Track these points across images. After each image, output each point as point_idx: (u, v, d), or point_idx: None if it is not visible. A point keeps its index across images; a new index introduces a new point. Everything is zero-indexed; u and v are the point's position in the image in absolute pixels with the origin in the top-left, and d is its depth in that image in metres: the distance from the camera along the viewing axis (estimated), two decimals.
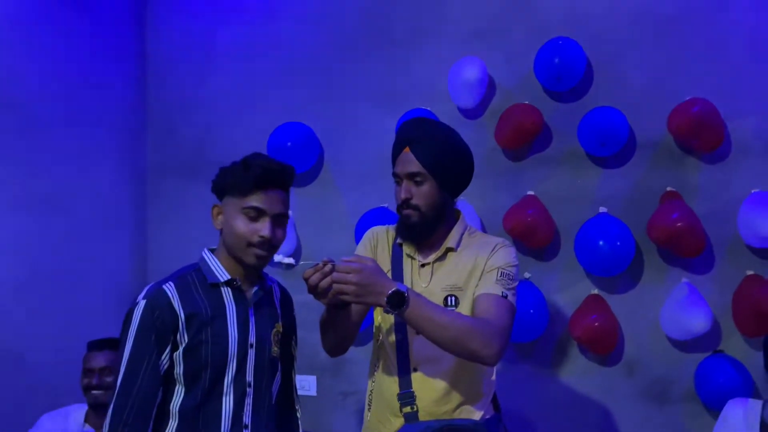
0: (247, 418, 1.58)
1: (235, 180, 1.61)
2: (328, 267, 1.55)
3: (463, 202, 2.65)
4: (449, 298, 1.72)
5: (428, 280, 1.76)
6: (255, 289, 1.66)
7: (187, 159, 3.16)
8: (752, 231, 2.29)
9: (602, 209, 2.53)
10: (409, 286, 1.68)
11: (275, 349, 1.66)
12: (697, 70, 2.45)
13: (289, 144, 2.80)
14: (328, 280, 1.55)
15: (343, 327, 1.75)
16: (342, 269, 1.54)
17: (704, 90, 2.41)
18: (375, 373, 1.83)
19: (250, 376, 1.59)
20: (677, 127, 2.37)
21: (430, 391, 1.71)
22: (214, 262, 1.65)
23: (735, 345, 2.39)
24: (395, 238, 1.83)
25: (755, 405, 1.95)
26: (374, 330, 1.86)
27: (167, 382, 1.55)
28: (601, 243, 2.42)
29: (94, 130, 3.04)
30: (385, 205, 2.75)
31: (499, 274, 1.71)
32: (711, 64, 2.44)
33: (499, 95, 2.68)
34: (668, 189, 2.47)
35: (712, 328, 2.34)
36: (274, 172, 1.59)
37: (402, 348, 1.74)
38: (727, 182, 2.41)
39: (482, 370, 1.75)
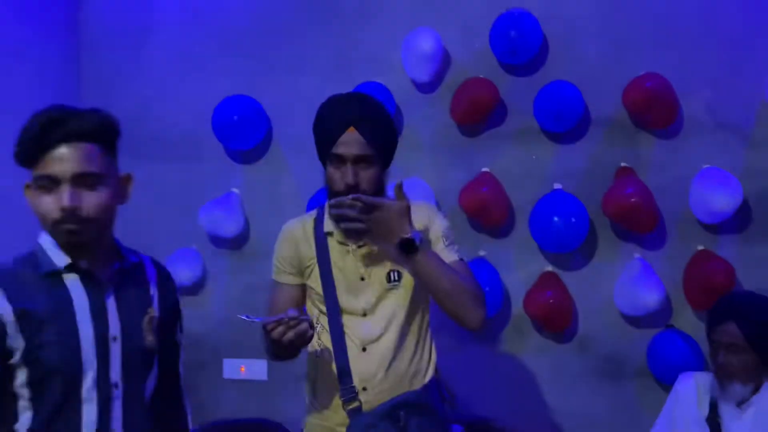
0: (117, 426, 1.34)
1: (18, 149, 1.31)
2: (293, 322, 1.50)
3: (417, 179, 2.58)
4: (392, 274, 1.70)
5: (366, 261, 1.71)
6: (114, 268, 1.39)
7: (124, 135, 2.93)
8: (703, 206, 2.31)
9: (557, 185, 2.50)
10: (345, 274, 1.70)
11: (149, 338, 1.41)
12: (651, 44, 2.44)
13: (235, 118, 2.67)
14: (291, 334, 1.49)
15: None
16: (368, 201, 1.57)
17: (658, 65, 2.40)
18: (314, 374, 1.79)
19: (116, 376, 1.34)
20: (632, 102, 2.36)
21: (374, 376, 1.68)
22: (51, 246, 1.35)
23: (686, 319, 2.42)
24: (316, 228, 1.75)
25: (705, 378, 1.97)
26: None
27: (3, 400, 1.28)
28: (555, 219, 2.40)
29: (22, 105, 2.81)
30: None
31: (446, 241, 1.72)
32: (665, 38, 2.42)
33: (454, 69, 2.61)
34: (622, 165, 2.46)
35: (664, 304, 2.37)
36: (56, 122, 1.29)
37: (341, 358, 1.69)
38: (679, 158, 2.42)
39: (424, 342, 1.75)
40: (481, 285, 2.40)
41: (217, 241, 2.85)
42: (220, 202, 2.76)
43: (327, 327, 1.70)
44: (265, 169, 2.81)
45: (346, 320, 1.69)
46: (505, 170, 2.56)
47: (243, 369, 2.87)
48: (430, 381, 1.73)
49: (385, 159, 1.70)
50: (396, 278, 1.70)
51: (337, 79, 2.69)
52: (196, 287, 2.87)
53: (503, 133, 2.58)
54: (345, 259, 1.72)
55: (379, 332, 1.68)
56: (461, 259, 1.72)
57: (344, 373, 1.66)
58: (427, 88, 2.63)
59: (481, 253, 2.59)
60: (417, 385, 1.70)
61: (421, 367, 1.73)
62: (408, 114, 2.65)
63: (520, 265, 2.57)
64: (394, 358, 1.68)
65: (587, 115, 2.50)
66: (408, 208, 1.62)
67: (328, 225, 1.73)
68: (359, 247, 1.71)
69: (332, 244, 1.72)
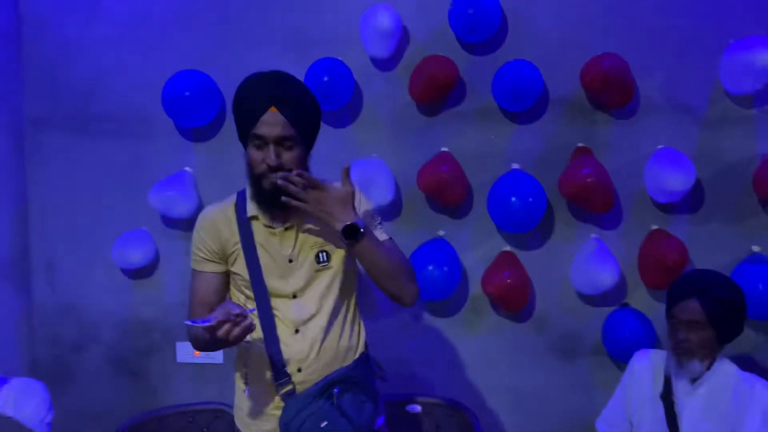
0: None
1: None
2: (239, 319, 1.50)
3: (375, 159, 2.54)
4: (320, 255, 1.70)
5: (293, 243, 1.69)
6: None
7: (71, 112, 2.83)
8: (657, 186, 2.34)
9: (515, 165, 2.50)
10: (272, 257, 1.68)
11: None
12: (609, 24, 2.44)
13: (186, 94, 2.56)
14: (237, 331, 1.50)
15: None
16: (317, 182, 1.57)
17: (616, 45, 2.40)
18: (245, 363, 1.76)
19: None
20: (590, 81, 2.36)
21: (308, 356, 1.68)
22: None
23: (640, 298, 2.46)
24: (237, 213, 1.71)
25: (660, 355, 2.00)
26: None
27: None
28: (513, 199, 2.40)
29: None
30: None
31: (375, 222, 1.73)
32: (622, 18, 2.43)
33: (413, 46, 2.57)
34: (579, 145, 2.47)
35: (619, 283, 2.40)
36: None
37: (273, 345, 1.67)
38: (635, 138, 2.44)
39: (354, 319, 1.76)
40: (440, 265, 2.45)
41: (169, 222, 2.76)
42: (171, 181, 2.66)
43: (256, 312, 1.68)
44: (218, 148, 2.73)
45: (276, 303, 1.68)
46: (464, 150, 2.55)
47: (197, 352, 2.80)
48: (360, 356, 1.75)
49: (309, 140, 1.66)
50: (325, 259, 1.69)
51: (294, 54, 2.62)
52: (147, 270, 2.78)
53: (462, 113, 2.56)
54: (271, 242, 1.69)
55: (310, 313, 1.68)
56: (390, 238, 1.74)
57: (276, 358, 1.66)
58: (386, 65, 2.58)
59: (440, 233, 2.58)
60: (349, 362, 1.72)
61: (353, 343, 1.75)
62: (367, 92, 2.60)
63: (478, 245, 2.57)
64: (326, 337, 1.69)
65: (546, 95, 2.49)
66: (353, 194, 1.62)
67: (252, 209, 1.69)
68: (286, 229, 1.68)
69: (257, 227, 1.69)
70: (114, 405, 2.79)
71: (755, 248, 2.36)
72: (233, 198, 1.77)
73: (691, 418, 1.87)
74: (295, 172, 1.57)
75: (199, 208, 2.72)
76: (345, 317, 1.74)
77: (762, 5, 2.35)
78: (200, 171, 2.73)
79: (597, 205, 2.40)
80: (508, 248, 2.54)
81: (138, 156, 2.77)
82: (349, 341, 1.73)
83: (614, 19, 2.44)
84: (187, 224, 2.75)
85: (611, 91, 2.35)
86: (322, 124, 2.60)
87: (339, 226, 1.59)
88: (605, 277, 2.36)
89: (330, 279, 1.70)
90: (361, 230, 1.60)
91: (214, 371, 2.74)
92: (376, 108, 2.60)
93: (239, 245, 1.68)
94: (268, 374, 1.68)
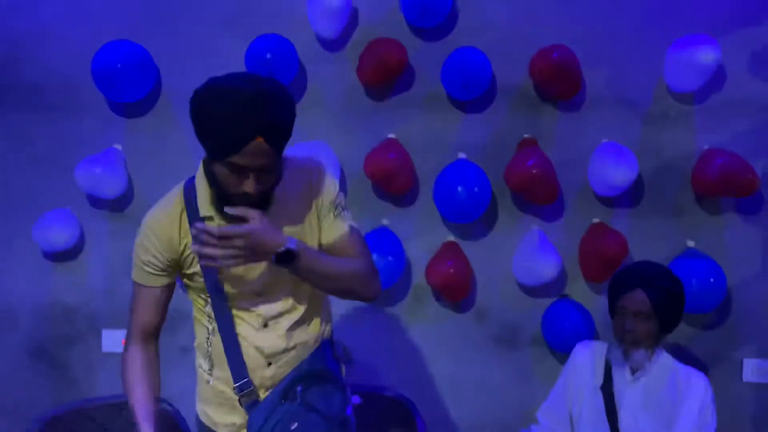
0: None
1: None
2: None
3: (322, 143, 2.46)
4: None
5: None
6: None
7: None
8: (600, 180, 2.37)
9: (461, 155, 2.47)
10: None
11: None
12: (559, 16, 2.43)
13: (118, 66, 2.40)
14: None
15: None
16: (228, 234, 1.40)
17: (565, 37, 2.40)
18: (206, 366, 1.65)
19: None
20: (538, 72, 2.35)
21: (278, 349, 1.59)
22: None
23: (579, 290, 2.49)
24: (188, 213, 1.51)
25: (601, 347, 2.03)
26: (196, 324, 1.65)
27: None
28: (459, 189, 2.37)
29: None
30: None
31: (336, 210, 1.58)
32: (572, 10, 2.43)
33: (363, 27, 2.49)
34: (525, 136, 2.46)
35: (559, 274, 2.41)
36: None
37: (232, 348, 1.57)
38: (580, 131, 2.46)
39: (321, 307, 1.67)
40: (384, 254, 2.40)
41: (95, 202, 2.60)
42: (99, 159, 2.50)
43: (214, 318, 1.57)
44: (151, 125, 2.57)
45: (240, 303, 1.56)
46: (411, 137, 2.50)
47: (125, 341, 2.65)
48: (321, 344, 1.65)
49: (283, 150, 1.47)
50: None
51: (236, 28, 2.50)
52: (71, 252, 2.61)
53: (410, 99, 2.51)
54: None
55: (278, 308, 1.58)
56: (352, 228, 1.59)
57: (237, 368, 1.56)
58: (333, 45, 2.50)
59: (384, 221, 2.53)
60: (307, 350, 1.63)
61: (323, 330, 1.66)
62: (312, 72, 2.51)
63: (423, 235, 2.53)
64: (295, 328, 1.60)
65: (494, 84, 2.47)
66: (267, 222, 1.44)
67: (206, 208, 1.51)
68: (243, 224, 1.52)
69: (212, 227, 1.48)
70: (32, 398, 2.61)
71: (690, 243, 2.42)
72: (177, 194, 1.56)
73: (631, 407, 1.90)
74: (197, 232, 1.41)
75: (128, 188, 2.57)
76: (314, 306, 1.63)
77: (705, 4, 2.40)
78: (130, 149, 2.58)
79: (541, 197, 2.40)
80: (452, 238, 2.52)
81: (64, 131, 2.59)
82: (318, 329, 1.64)
83: (564, 13, 2.44)
84: (114, 205, 2.59)
85: (559, 83, 2.35)
86: None
87: (271, 258, 1.45)
88: (547, 269, 2.36)
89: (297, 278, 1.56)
90: (295, 252, 1.45)
91: None
92: (322, 90, 2.51)
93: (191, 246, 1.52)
94: (230, 384, 1.58)
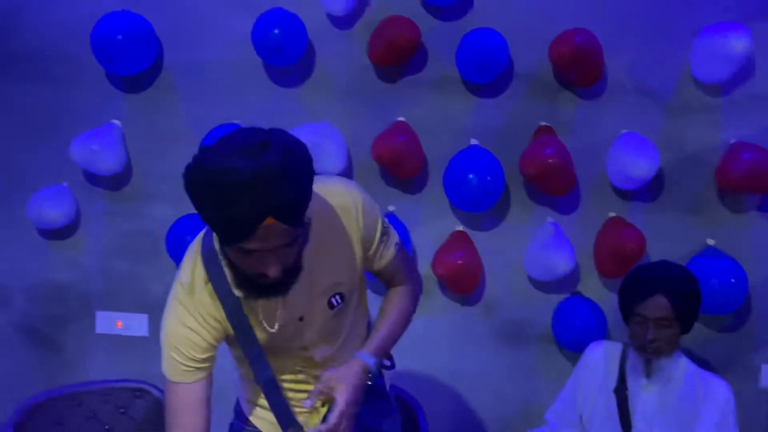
0: None
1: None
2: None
3: (327, 124, 2.36)
4: (334, 300, 1.41)
5: (305, 300, 1.37)
6: None
7: None
8: (619, 172, 2.26)
9: (474, 141, 2.37)
10: (280, 330, 1.37)
11: None
12: None
13: (119, 38, 2.30)
14: None
15: None
16: (337, 420, 1.32)
17: (587, 21, 2.28)
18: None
19: None
20: (558, 57, 2.24)
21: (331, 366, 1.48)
22: None
23: (592, 286, 2.39)
24: (216, 291, 1.32)
25: (615, 347, 1.93)
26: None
27: None
28: (470, 177, 2.27)
29: None
30: (236, 121, 2.38)
31: (381, 236, 1.44)
32: None
33: (375, 5, 2.37)
34: (542, 123, 2.36)
35: (573, 270, 2.31)
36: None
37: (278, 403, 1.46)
38: (599, 120, 2.34)
39: (365, 320, 1.59)
40: None
41: (92, 178, 2.51)
42: (97, 134, 2.41)
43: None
44: (152, 100, 2.48)
45: (290, 358, 1.45)
46: (422, 121, 2.39)
47: (120, 324, 2.58)
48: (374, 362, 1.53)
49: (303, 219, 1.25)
50: (339, 301, 1.42)
51: (243, 1, 2.39)
52: (66, 230, 2.54)
53: (422, 81, 2.40)
54: (274, 312, 1.36)
55: (333, 350, 1.47)
56: (398, 248, 1.49)
57: (285, 422, 1.45)
58: (344, 23, 2.39)
59: (391, 208, 2.43)
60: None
61: (364, 337, 1.55)
62: (321, 51, 2.40)
63: (431, 223, 2.44)
64: (348, 352, 1.48)
65: (511, 68, 2.36)
66: (340, 376, 1.37)
67: (238, 290, 1.31)
68: (286, 295, 1.32)
69: (252, 304, 1.34)
70: (23, 380, 2.55)
71: (710, 242, 2.32)
72: (194, 261, 1.34)
73: (645, 413, 1.81)
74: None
75: (127, 165, 2.48)
76: (360, 325, 1.55)
77: None
78: (130, 125, 2.48)
79: (556, 188, 2.30)
80: (461, 228, 2.42)
81: (61, 104, 2.51)
82: (363, 341, 1.53)
83: None
84: (111, 182, 2.51)
85: (579, 68, 2.24)
86: (269, 82, 2.47)
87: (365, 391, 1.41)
88: (560, 264, 2.26)
89: (346, 316, 1.47)
90: (376, 366, 1.44)
91: (137, 344, 2.54)
92: (330, 69, 2.41)
93: (231, 331, 1.35)
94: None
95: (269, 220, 1.13)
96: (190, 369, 1.34)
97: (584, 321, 2.28)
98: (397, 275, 1.54)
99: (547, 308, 2.40)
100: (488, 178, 2.28)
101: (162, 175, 2.47)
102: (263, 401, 1.49)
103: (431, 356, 2.48)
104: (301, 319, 1.39)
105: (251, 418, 1.54)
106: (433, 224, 2.44)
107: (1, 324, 2.58)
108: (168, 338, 1.33)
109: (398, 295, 1.55)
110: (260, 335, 1.37)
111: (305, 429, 1.45)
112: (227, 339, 1.40)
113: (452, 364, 2.48)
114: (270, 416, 1.49)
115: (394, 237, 1.50)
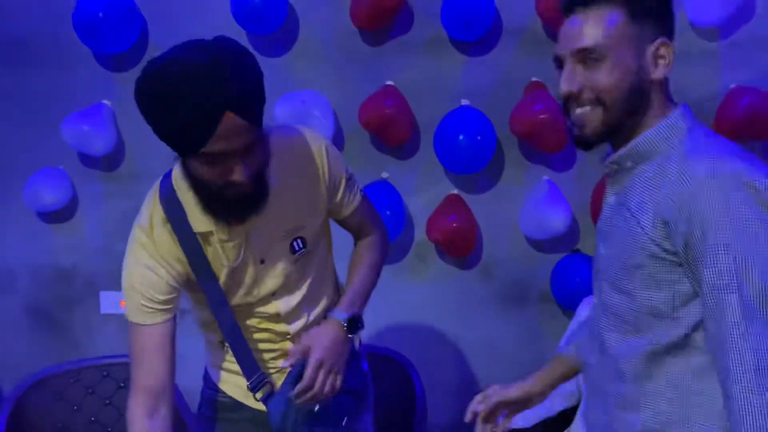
0: None
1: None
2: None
3: (315, 92, 2.32)
4: (295, 243, 1.40)
5: (264, 242, 1.36)
6: None
7: None
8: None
9: (464, 101, 2.32)
10: (240, 269, 1.36)
11: None
12: None
13: (100, 15, 2.28)
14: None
15: None
16: (311, 380, 1.35)
17: None
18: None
19: None
20: (546, 9, 2.16)
21: (299, 329, 1.48)
22: None
23: (592, 244, 2.31)
24: (176, 231, 1.31)
25: None
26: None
27: None
28: (461, 138, 2.23)
29: None
30: None
31: (347, 182, 1.45)
32: None
33: None
34: (533, 79, 2.29)
35: (571, 227, 2.27)
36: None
37: (242, 353, 1.45)
38: None
39: (332, 278, 1.57)
40: (383, 209, 2.27)
41: (86, 160, 2.52)
42: (86, 114, 2.40)
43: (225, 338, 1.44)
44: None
45: (255, 310, 1.44)
46: (410, 84, 2.34)
47: (124, 303, 2.60)
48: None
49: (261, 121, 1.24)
50: (301, 246, 1.41)
51: None
52: (65, 213, 2.55)
53: (409, 42, 2.35)
54: (236, 252, 1.35)
55: (296, 302, 1.45)
56: (362, 196, 1.52)
57: (249, 371, 1.44)
58: None
59: (384, 175, 2.40)
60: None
61: (334, 299, 1.55)
62: (304, 16, 2.36)
63: (424, 188, 2.40)
64: (313, 309, 1.49)
65: (499, 24, 2.29)
66: (316, 332, 1.41)
67: (201, 222, 1.30)
68: (248, 230, 1.33)
69: (212, 241, 1.33)
70: (31, 360, 2.58)
71: None
72: (152, 203, 1.34)
73: None
74: (292, 396, 1.36)
75: (119, 146, 2.48)
76: (326, 281, 1.54)
77: None
78: (120, 104, 2.47)
79: (550, 145, 2.24)
80: (455, 191, 2.38)
81: (51, 86, 2.50)
82: (331, 299, 1.54)
83: None
84: (106, 163, 2.52)
85: None
86: (254, 52, 2.42)
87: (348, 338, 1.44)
88: (557, 222, 2.22)
89: (312, 261, 1.46)
90: (356, 316, 1.46)
91: None
92: (315, 34, 2.37)
93: (189, 269, 1.34)
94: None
95: (228, 115, 1.12)
96: (151, 310, 1.33)
97: (583, 279, 2.23)
98: (364, 224, 1.55)
99: (546, 268, 2.35)
100: (479, 138, 2.23)
101: (154, 153, 2.39)
102: (231, 365, 1.49)
103: (431, 321, 2.47)
104: (262, 261, 1.38)
105: (220, 385, 1.54)
106: (428, 189, 2.40)
107: (9, 306, 2.61)
108: (128, 280, 1.33)
109: (367, 248, 1.57)
110: (221, 276, 1.36)
111: (275, 388, 1.44)
112: (189, 286, 1.39)
113: (452, 328, 2.46)
114: (239, 380, 1.48)
115: (359, 186, 1.51)
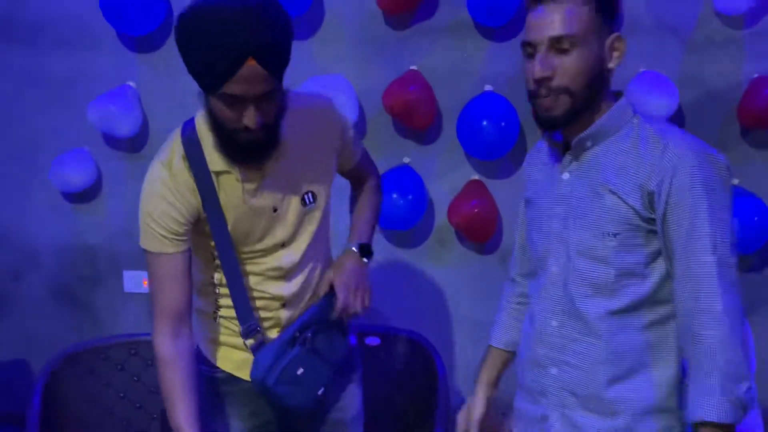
0: None
1: None
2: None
3: (339, 76, 2.34)
4: (306, 197, 1.50)
5: (280, 190, 1.45)
6: None
7: None
8: (637, 111, 2.19)
9: (488, 87, 2.33)
10: (255, 214, 1.44)
11: None
12: None
13: None
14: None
15: None
16: (346, 303, 1.51)
17: None
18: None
19: None
20: None
21: (296, 296, 1.56)
22: None
23: None
24: (193, 170, 1.39)
25: None
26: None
27: None
28: (484, 123, 2.24)
29: None
30: None
31: (353, 140, 1.60)
32: None
33: None
34: None
35: None
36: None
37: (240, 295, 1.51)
38: None
39: (329, 248, 1.66)
40: (405, 194, 2.31)
41: (111, 141, 2.55)
42: (112, 96, 2.43)
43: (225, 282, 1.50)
44: (164, 60, 2.48)
45: (262, 259, 1.50)
46: (434, 69, 2.35)
47: (146, 282, 2.64)
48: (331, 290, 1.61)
49: (282, 76, 1.34)
50: (312, 200, 1.51)
51: None
52: (90, 193, 2.59)
53: (433, 27, 2.35)
54: (251, 196, 1.42)
55: (299, 258, 1.52)
56: (362, 144, 1.68)
57: (244, 316, 1.50)
58: None
59: (406, 160, 2.42)
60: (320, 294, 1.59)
61: (326, 267, 1.62)
62: (329, 0, 2.37)
63: (446, 173, 2.42)
64: (311, 275, 1.57)
65: (523, 10, 2.26)
66: (340, 265, 1.58)
67: (217, 162, 1.38)
68: (265, 177, 1.42)
69: (226, 183, 1.40)
70: (57, 336, 2.63)
71: (734, 181, 2.25)
72: (174, 144, 1.42)
73: None
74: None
75: (144, 126, 2.51)
76: (324, 248, 1.62)
77: None
78: (145, 85, 2.50)
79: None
80: (476, 177, 2.40)
81: (77, 68, 2.53)
82: (324, 265, 1.61)
83: None
84: (130, 144, 2.54)
85: None
86: None
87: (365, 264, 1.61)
88: None
89: (315, 219, 1.53)
90: (367, 245, 1.62)
91: (144, 300, 2.59)
92: (340, 19, 2.38)
93: (203, 212, 1.41)
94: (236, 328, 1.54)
95: (250, 61, 1.22)
96: (169, 240, 1.40)
97: None
98: (363, 171, 1.68)
99: None
100: (503, 124, 2.25)
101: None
102: (225, 337, 1.54)
103: (450, 306, 2.49)
104: (275, 210, 1.46)
105: (215, 360, 1.58)
106: (449, 175, 2.42)
107: (35, 284, 2.66)
108: (146, 210, 1.40)
109: (369, 191, 1.70)
110: (231, 220, 1.42)
111: (266, 341, 1.51)
112: (200, 226, 1.44)
113: (471, 313, 2.49)
114: (233, 353, 1.54)
115: (360, 139, 1.66)
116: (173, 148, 1.42)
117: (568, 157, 1.34)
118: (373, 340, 1.70)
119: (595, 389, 1.30)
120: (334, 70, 2.36)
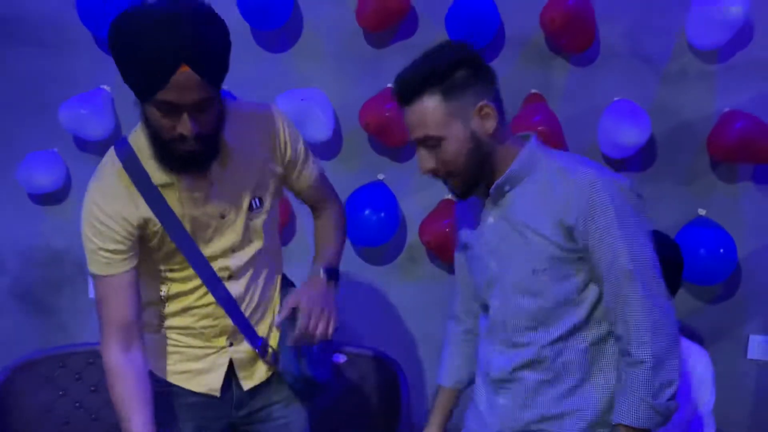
0: None
1: None
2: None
3: (317, 90, 2.33)
4: (254, 202, 1.49)
5: (227, 197, 1.44)
6: None
7: None
8: (610, 140, 2.23)
9: None
10: (201, 222, 1.44)
11: None
12: None
13: None
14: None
15: None
16: (306, 327, 1.47)
17: None
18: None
19: None
20: (550, 21, 2.18)
21: (242, 300, 1.55)
22: None
23: None
24: (137, 184, 1.37)
25: None
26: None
27: None
28: None
29: None
30: (224, 87, 2.35)
31: (305, 154, 1.56)
32: None
33: None
34: (533, 91, 2.32)
35: None
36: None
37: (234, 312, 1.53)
38: (591, 87, 2.30)
39: (278, 245, 1.66)
40: (377, 210, 2.30)
41: (82, 144, 2.51)
42: (85, 98, 2.40)
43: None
44: None
45: (214, 264, 1.49)
46: None
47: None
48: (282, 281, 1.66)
49: (220, 84, 1.31)
50: (258, 204, 1.50)
51: None
52: (58, 195, 2.55)
53: (412, 46, 2.35)
54: (197, 205, 1.42)
55: (246, 258, 1.52)
56: (319, 169, 1.63)
57: (245, 327, 1.53)
58: None
59: (380, 176, 2.42)
60: (271, 292, 1.60)
61: (278, 270, 1.64)
62: (308, 14, 2.37)
63: (420, 191, 2.42)
64: (258, 275, 1.56)
65: (502, 34, 2.31)
66: (306, 286, 1.55)
67: (159, 175, 1.37)
68: (212, 184, 1.42)
69: (172, 194, 1.39)
70: (18, 342, 2.58)
71: (702, 211, 2.29)
72: (112, 160, 1.41)
73: None
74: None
75: (116, 130, 2.48)
76: (273, 251, 1.61)
77: None
78: (119, 90, 2.46)
79: None
80: (449, 196, 2.40)
81: (50, 69, 2.49)
82: (274, 275, 1.61)
83: None
84: (101, 147, 2.49)
85: (571, 34, 2.19)
86: (257, 47, 2.43)
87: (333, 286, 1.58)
88: None
89: (263, 220, 1.53)
90: (334, 269, 1.60)
91: None
92: (318, 34, 2.37)
93: (154, 221, 1.39)
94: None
95: (183, 67, 1.20)
96: (115, 262, 1.40)
97: None
98: (321, 196, 1.65)
99: None
100: None
101: None
102: (173, 353, 1.52)
103: (419, 324, 2.49)
104: (222, 216, 1.45)
105: (168, 378, 1.55)
106: (423, 193, 2.42)
107: None
108: (87, 236, 1.40)
109: (331, 217, 1.67)
110: (188, 227, 1.42)
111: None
112: (154, 239, 1.43)
113: (440, 331, 2.47)
114: (182, 366, 1.53)
115: (315, 160, 1.60)
116: (109, 166, 1.41)
117: (489, 203, 1.41)
118: (338, 357, 1.68)
119: (545, 408, 1.38)
120: (312, 84, 2.35)
